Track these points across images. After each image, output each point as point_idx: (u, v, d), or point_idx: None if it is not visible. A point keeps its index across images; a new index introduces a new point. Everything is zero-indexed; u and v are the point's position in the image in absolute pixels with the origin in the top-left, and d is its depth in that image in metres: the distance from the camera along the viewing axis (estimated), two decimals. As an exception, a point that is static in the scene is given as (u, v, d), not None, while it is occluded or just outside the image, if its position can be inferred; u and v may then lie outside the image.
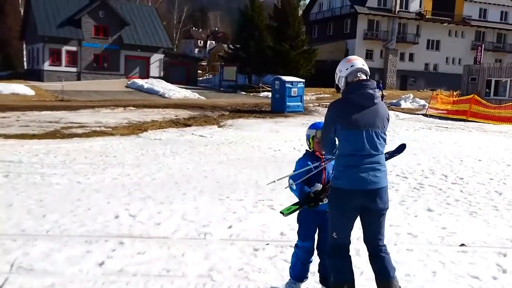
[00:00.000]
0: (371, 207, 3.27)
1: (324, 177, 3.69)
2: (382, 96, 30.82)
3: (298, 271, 3.70)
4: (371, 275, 3.77)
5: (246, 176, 8.17)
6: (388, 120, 3.36)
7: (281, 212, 3.60)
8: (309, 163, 3.60)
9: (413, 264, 4.32)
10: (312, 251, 3.67)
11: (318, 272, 3.77)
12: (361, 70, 3.28)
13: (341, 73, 3.30)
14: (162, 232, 5.04)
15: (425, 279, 4.01)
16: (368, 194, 3.22)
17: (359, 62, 3.30)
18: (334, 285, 3.41)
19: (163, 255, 4.37)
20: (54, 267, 4.02)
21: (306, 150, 3.76)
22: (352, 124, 3.18)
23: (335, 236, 3.35)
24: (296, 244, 3.70)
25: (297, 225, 3.74)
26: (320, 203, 3.56)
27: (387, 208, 3.36)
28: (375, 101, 3.24)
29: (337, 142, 3.36)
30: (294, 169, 3.64)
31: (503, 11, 57.10)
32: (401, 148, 3.95)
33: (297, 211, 3.62)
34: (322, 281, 3.74)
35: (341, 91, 3.36)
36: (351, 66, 3.27)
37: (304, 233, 3.66)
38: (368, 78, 3.31)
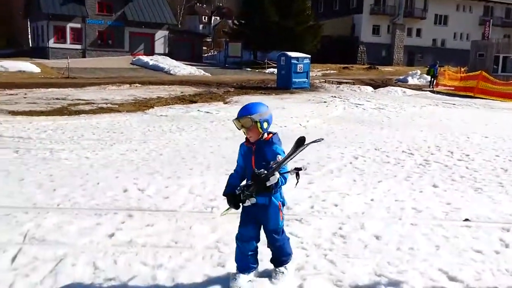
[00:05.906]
0: None
1: (253, 164, 3.11)
2: (433, 81, 26.36)
3: (240, 261, 3.32)
4: (376, 247, 3.85)
5: (252, 152, 8.20)
6: None
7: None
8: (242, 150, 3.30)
9: (417, 238, 4.38)
10: (249, 240, 3.25)
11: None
12: None
13: None
14: (170, 205, 5.12)
15: (429, 252, 4.07)
16: None
17: None
18: None
19: (171, 228, 4.45)
20: (66, 238, 4.12)
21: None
22: None
23: None
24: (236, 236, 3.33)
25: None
26: (241, 204, 3.10)
27: None
28: None
29: None
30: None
31: (513, -14, 56.10)
32: (300, 141, 3.01)
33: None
34: (272, 260, 3.46)
35: None
36: None
37: (241, 220, 3.30)
38: None
